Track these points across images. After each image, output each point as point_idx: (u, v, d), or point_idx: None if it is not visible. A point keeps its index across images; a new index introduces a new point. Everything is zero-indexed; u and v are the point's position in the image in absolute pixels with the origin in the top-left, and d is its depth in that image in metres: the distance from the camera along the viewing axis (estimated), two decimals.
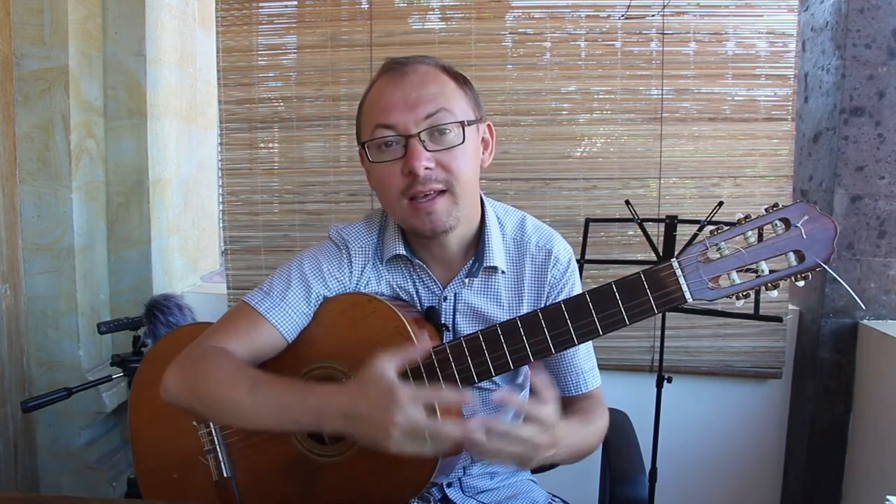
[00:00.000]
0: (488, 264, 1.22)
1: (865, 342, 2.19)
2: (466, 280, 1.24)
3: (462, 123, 1.14)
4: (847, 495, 2.25)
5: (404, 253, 1.23)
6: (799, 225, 0.98)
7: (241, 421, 1.10)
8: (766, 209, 1.00)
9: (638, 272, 1.03)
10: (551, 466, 1.57)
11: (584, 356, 1.29)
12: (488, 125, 1.25)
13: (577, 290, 1.29)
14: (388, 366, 0.99)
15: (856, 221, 2.19)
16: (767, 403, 2.44)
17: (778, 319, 1.96)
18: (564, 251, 1.28)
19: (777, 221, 0.99)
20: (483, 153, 1.23)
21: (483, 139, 1.23)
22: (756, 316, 1.88)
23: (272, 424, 1.07)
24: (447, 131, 1.13)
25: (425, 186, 1.12)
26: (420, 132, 1.12)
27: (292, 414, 1.03)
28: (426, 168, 1.11)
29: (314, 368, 1.21)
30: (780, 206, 0.99)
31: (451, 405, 0.98)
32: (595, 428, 1.22)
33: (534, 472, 1.46)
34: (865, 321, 2.20)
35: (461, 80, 1.20)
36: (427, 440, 0.95)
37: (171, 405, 1.15)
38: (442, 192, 1.13)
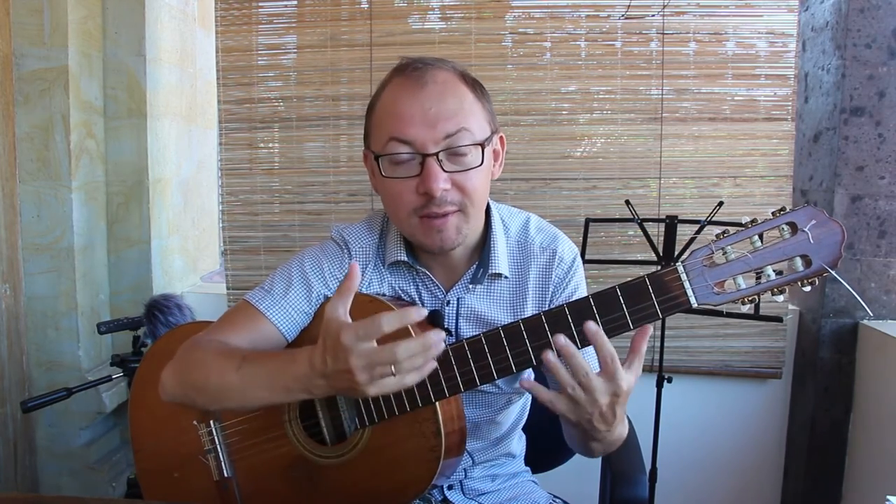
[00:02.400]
0: (493, 271, 1.22)
1: (865, 342, 2.19)
2: (470, 286, 1.23)
3: (482, 146, 1.12)
4: (847, 495, 2.25)
5: (406, 260, 1.22)
6: (806, 229, 0.96)
7: (232, 400, 1.09)
8: (772, 213, 0.98)
9: (643, 276, 1.02)
10: (554, 464, 1.58)
11: (589, 355, 1.27)
12: (501, 137, 1.22)
13: (582, 289, 1.28)
14: (338, 306, 0.95)
15: (856, 221, 2.19)
16: (767, 403, 2.44)
17: (778, 319, 1.97)
18: (569, 250, 1.27)
19: (784, 226, 0.97)
20: (494, 165, 1.21)
21: (494, 150, 1.21)
22: (756, 316, 1.88)
23: (264, 398, 1.05)
24: (465, 152, 1.11)
25: (441, 208, 1.10)
26: (438, 152, 1.09)
27: (280, 384, 1.02)
28: (443, 189, 1.09)
29: None
30: (787, 210, 0.97)
31: (396, 327, 0.92)
32: (626, 424, 1.16)
33: (534, 471, 1.46)
34: (866, 321, 2.21)
35: (479, 91, 1.17)
36: (394, 370, 0.92)
37: (171, 402, 1.15)
38: (454, 212, 1.12)
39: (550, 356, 1.00)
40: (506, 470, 1.37)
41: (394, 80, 1.15)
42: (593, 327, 0.98)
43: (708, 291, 1.00)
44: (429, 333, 0.93)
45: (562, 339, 0.99)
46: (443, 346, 0.95)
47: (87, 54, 2.36)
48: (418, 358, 0.93)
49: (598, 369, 1.01)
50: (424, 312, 0.94)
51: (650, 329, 1.01)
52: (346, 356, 0.92)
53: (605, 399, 1.00)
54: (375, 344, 0.92)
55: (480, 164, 1.12)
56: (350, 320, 0.95)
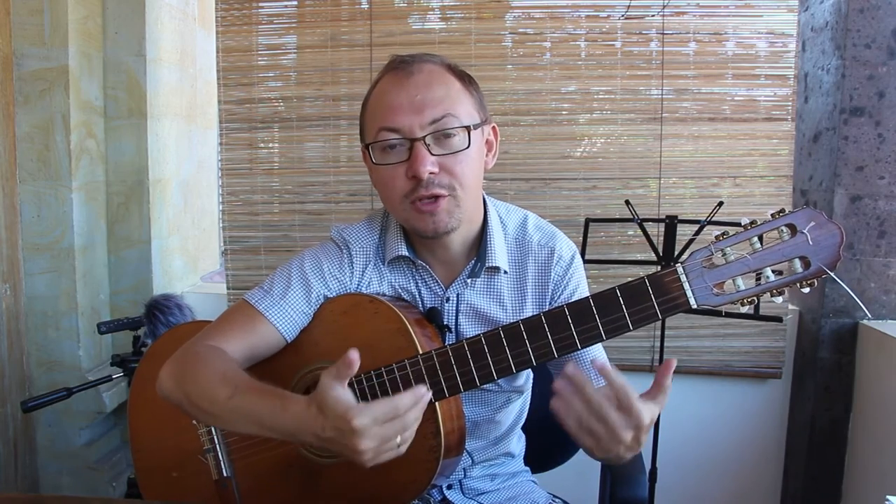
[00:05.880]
0: (490, 265, 1.22)
1: (865, 342, 2.19)
2: (469, 280, 1.23)
3: (468, 128, 1.13)
4: (847, 495, 2.25)
5: (407, 254, 1.23)
6: (805, 231, 0.96)
7: (222, 424, 1.10)
8: (772, 214, 0.98)
9: (642, 277, 1.02)
10: (554, 464, 1.58)
11: (596, 351, 1.26)
12: (493, 127, 1.24)
13: (584, 286, 1.28)
14: (337, 385, 0.93)
15: (856, 221, 2.19)
16: (767, 403, 2.44)
17: (778, 319, 1.97)
18: (567, 248, 1.27)
19: (783, 227, 0.97)
20: (487, 155, 1.22)
21: (487, 141, 1.22)
22: (756, 316, 1.88)
23: (251, 431, 1.04)
24: (453, 135, 1.12)
25: (428, 191, 1.11)
26: (425, 136, 1.11)
27: (268, 426, 1.01)
28: (430, 172, 1.10)
29: (315, 368, 1.20)
30: (787, 212, 0.97)
31: (410, 408, 0.94)
32: None
33: (534, 471, 1.46)
34: (865, 321, 2.20)
35: (467, 81, 1.19)
36: (399, 445, 0.94)
37: (165, 401, 1.15)
38: (444, 196, 1.13)
39: (561, 384, 0.96)
40: (505, 469, 1.37)
41: (384, 77, 1.18)
42: (600, 364, 0.96)
43: (707, 292, 1.00)
44: (420, 391, 0.94)
45: (571, 368, 0.96)
46: (429, 396, 0.97)
47: (88, 54, 2.36)
48: (418, 420, 0.95)
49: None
50: (428, 395, 0.96)
51: (674, 363, 0.97)
52: (356, 437, 0.91)
53: (629, 434, 0.95)
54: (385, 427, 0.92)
55: (468, 147, 1.13)
56: (352, 397, 0.93)
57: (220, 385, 1.06)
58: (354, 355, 0.92)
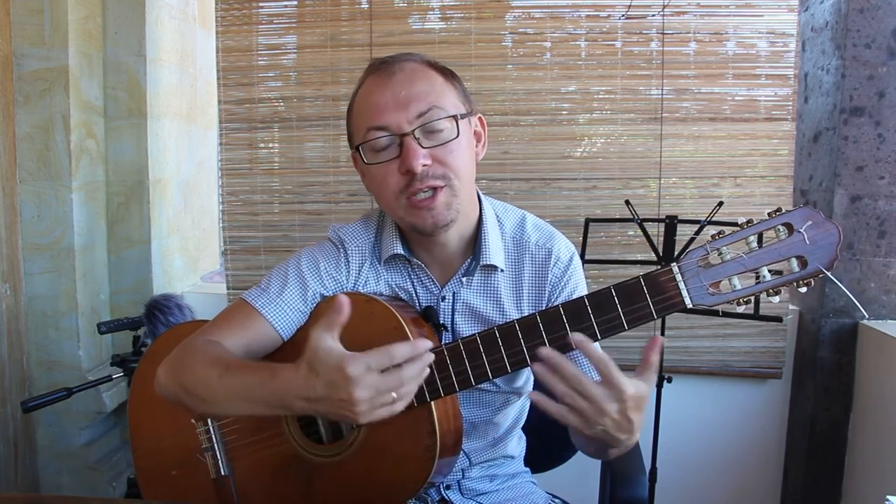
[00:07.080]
0: (485, 263, 1.22)
1: (865, 342, 2.19)
2: (464, 279, 1.23)
3: (455, 118, 1.14)
4: (847, 495, 2.25)
5: (402, 253, 1.23)
6: (802, 230, 0.96)
7: (215, 407, 1.09)
8: (769, 213, 0.98)
9: (637, 276, 1.02)
10: (554, 464, 1.58)
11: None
12: (479, 118, 1.24)
13: (582, 288, 1.28)
14: (328, 337, 0.94)
15: (856, 221, 2.19)
16: (767, 403, 2.44)
17: (778, 319, 1.97)
18: (565, 250, 1.27)
19: (780, 226, 0.97)
20: (476, 146, 1.23)
21: (475, 132, 1.23)
22: (756, 316, 1.88)
23: (244, 409, 1.05)
24: (441, 127, 1.13)
25: (423, 183, 1.11)
26: (414, 130, 1.11)
27: (259, 398, 1.02)
28: (423, 165, 1.11)
29: None
30: (784, 211, 0.97)
31: (408, 359, 0.94)
32: None
33: (534, 471, 1.46)
34: (865, 321, 2.20)
35: (448, 75, 1.19)
36: (395, 400, 0.94)
37: (165, 399, 1.16)
38: (440, 187, 1.13)
39: (538, 367, 0.98)
40: (504, 470, 1.37)
41: (366, 80, 1.19)
42: (578, 338, 0.96)
43: (703, 292, 1.00)
44: (420, 344, 0.94)
45: (545, 350, 0.97)
46: (431, 356, 0.96)
47: (88, 54, 2.36)
48: (418, 378, 0.95)
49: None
50: (430, 344, 0.95)
51: (660, 340, 0.99)
52: (351, 387, 0.91)
53: (613, 406, 0.96)
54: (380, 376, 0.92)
55: (457, 137, 1.14)
56: (343, 348, 0.94)
57: (211, 367, 1.08)
58: (344, 298, 0.94)
